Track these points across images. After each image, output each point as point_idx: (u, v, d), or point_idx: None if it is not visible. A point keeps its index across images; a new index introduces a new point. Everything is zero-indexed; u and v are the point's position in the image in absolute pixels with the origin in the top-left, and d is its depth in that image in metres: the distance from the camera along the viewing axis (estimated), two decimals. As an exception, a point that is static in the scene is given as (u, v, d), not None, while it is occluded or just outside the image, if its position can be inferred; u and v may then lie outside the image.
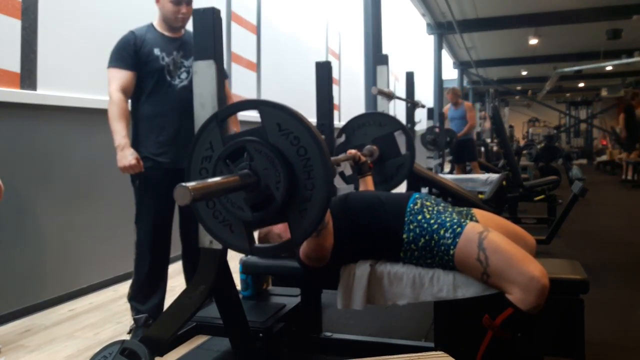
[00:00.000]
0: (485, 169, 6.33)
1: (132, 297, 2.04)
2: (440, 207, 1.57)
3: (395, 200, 1.60)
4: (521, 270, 1.31)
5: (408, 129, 2.46)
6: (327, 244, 1.46)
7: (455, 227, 1.44)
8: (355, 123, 2.40)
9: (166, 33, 2.04)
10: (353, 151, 2.07)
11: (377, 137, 2.36)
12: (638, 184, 7.97)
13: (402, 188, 3.64)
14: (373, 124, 2.37)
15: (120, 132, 1.90)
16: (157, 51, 1.99)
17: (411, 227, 1.50)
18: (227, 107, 1.26)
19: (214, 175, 1.19)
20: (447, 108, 6.64)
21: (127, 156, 1.88)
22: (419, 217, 1.51)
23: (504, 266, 1.33)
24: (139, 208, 2.04)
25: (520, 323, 1.33)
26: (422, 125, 5.85)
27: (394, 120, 2.39)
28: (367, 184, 2.07)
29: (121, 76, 1.95)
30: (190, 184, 0.94)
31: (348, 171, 2.25)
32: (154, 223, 2.02)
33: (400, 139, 2.36)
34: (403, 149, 2.36)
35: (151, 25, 2.05)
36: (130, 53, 1.95)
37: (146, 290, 2.02)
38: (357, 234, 1.55)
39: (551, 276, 1.35)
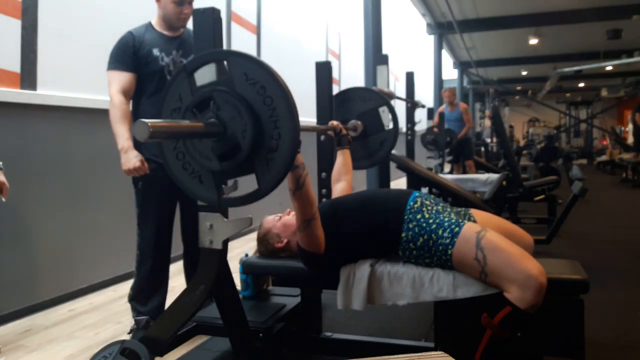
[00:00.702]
0: (485, 169, 6.34)
1: (133, 298, 2.03)
2: (439, 207, 1.58)
3: (395, 197, 1.60)
4: (519, 268, 1.31)
5: (392, 105, 2.46)
6: (319, 234, 1.50)
7: (453, 227, 1.45)
8: (340, 98, 2.40)
9: (165, 32, 2.03)
10: (335, 122, 2.09)
11: (361, 112, 2.36)
12: (638, 184, 7.97)
13: (401, 187, 3.64)
14: (358, 99, 2.38)
15: (123, 134, 1.89)
16: (156, 51, 1.98)
17: (410, 226, 1.50)
18: (195, 59, 1.25)
19: None
20: (442, 108, 6.66)
21: (132, 159, 1.86)
22: (418, 216, 1.51)
23: (501, 265, 1.34)
24: (141, 210, 2.02)
25: (518, 322, 1.33)
26: (422, 125, 5.85)
27: (378, 95, 2.39)
28: (345, 156, 2.08)
29: (121, 78, 1.94)
30: (151, 121, 0.94)
31: None
32: (156, 224, 2.02)
33: (385, 115, 2.36)
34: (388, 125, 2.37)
35: (149, 25, 2.04)
36: (130, 54, 1.94)
37: (147, 291, 2.02)
38: (357, 232, 1.56)
39: (551, 276, 1.35)
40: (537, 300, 1.30)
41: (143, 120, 0.93)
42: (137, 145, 1.94)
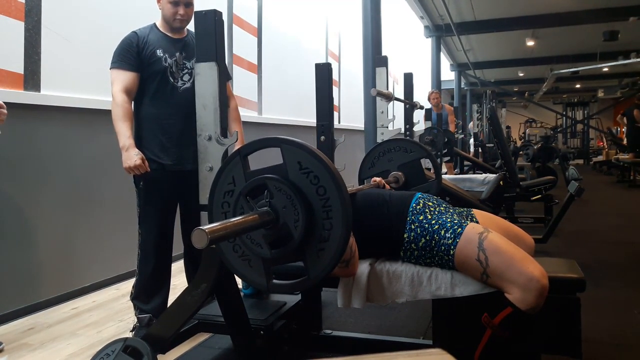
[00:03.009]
0: (483, 169, 6.36)
1: (136, 297, 2.05)
2: (441, 208, 1.59)
3: (398, 199, 1.61)
4: (521, 270, 1.32)
5: (434, 157, 2.47)
6: (355, 271, 1.50)
7: (455, 227, 1.45)
8: (380, 148, 2.41)
9: (169, 34, 2.05)
10: (377, 179, 2.08)
11: (402, 164, 2.36)
12: (634, 184, 8.00)
13: (400, 188, 3.66)
14: (399, 150, 2.38)
15: (124, 133, 1.90)
16: (159, 52, 1.99)
17: (412, 227, 1.52)
18: (249, 144, 1.26)
19: (234, 210, 1.21)
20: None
21: (132, 156, 1.87)
22: (421, 217, 1.53)
23: (503, 266, 1.34)
24: (142, 210, 2.03)
25: (519, 322, 1.34)
26: (420, 126, 5.88)
27: (420, 147, 2.40)
28: None
29: (124, 77, 1.95)
30: (207, 227, 0.94)
31: None
32: (158, 224, 2.03)
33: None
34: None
35: (154, 26, 2.06)
36: (133, 54, 1.95)
37: (150, 290, 2.03)
38: (360, 232, 1.57)
39: (548, 275, 1.37)
40: (538, 302, 1.30)
41: (201, 228, 0.93)
42: (137, 144, 1.95)
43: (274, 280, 1.25)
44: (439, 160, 5.49)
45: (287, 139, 1.19)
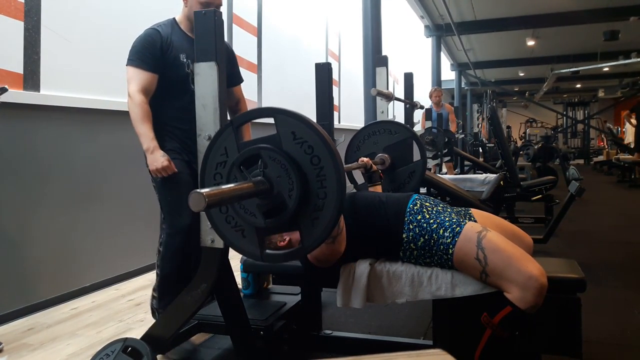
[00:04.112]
0: (483, 169, 6.37)
1: (161, 299, 1.92)
2: (439, 208, 1.59)
3: (395, 200, 1.62)
4: (520, 269, 1.32)
5: (418, 137, 2.48)
6: (341, 249, 1.48)
7: (454, 226, 1.46)
8: (365, 132, 2.41)
9: (190, 34, 1.94)
10: (365, 159, 2.09)
11: (388, 145, 2.37)
12: (635, 184, 8.00)
13: (400, 188, 3.65)
14: (384, 132, 2.38)
15: (147, 134, 1.80)
16: (183, 57, 1.90)
17: (411, 226, 1.52)
18: (242, 115, 1.27)
19: (227, 181, 1.20)
20: (427, 109, 6.71)
21: (159, 158, 1.79)
22: (419, 217, 1.53)
23: (502, 265, 1.35)
24: (168, 203, 1.89)
25: (518, 322, 1.34)
26: (421, 126, 5.88)
27: (404, 128, 2.41)
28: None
29: (144, 77, 1.84)
30: (205, 190, 0.95)
31: (361, 180, 2.26)
32: (185, 222, 1.85)
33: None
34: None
35: (174, 23, 1.95)
36: (156, 54, 1.85)
37: (174, 290, 1.85)
38: (358, 233, 1.57)
39: (548, 275, 1.37)
40: (537, 301, 1.30)
41: (198, 191, 0.94)
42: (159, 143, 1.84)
43: (267, 251, 1.25)
44: (439, 160, 5.49)
45: (281, 108, 1.19)
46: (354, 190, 2.22)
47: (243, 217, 1.20)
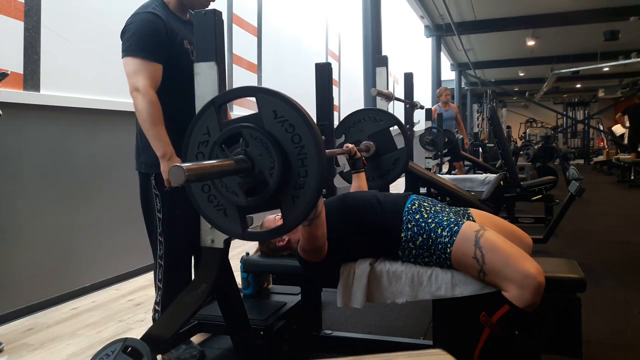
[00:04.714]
0: (483, 169, 6.37)
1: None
2: (437, 207, 1.60)
3: (393, 200, 1.62)
4: (517, 267, 1.33)
5: (403, 124, 2.48)
6: (319, 234, 1.46)
7: (452, 225, 1.46)
8: (351, 119, 2.42)
9: (180, 15, 1.75)
10: (350, 145, 2.09)
11: (372, 133, 2.38)
12: (635, 184, 8.00)
13: (400, 188, 3.66)
14: (369, 120, 2.40)
15: (163, 138, 1.60)
16: (187, 43, 1.72)
17: (409, 226, 1.52)
18: (225, 93, 1.26)
19: (209, 160, 1.20)
20: (436, 108, 6.68)
21: None
22: (417, 217, 1.53)
23: (500, 264, 1.35)
24: (167, 214, 1.74)
25: (517, 320, 1.35)
26: (421, 126, 5.88)
27: (389, 115, 2.41)
28: (361, 180, 2.09)
29: (152, 70, 1.62)
30: (185, 165, 0.96)
31: (347, 168, 2.27)
32: (188, 226, 1.67)
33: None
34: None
35: (163, 4, 1.72)
36: (163, 43, 1.63)
37: None
38: (357, 233, 1.58)
39: (548, 275, 1.37)
40: (535, 300, 1.31)
41: (178, 165, 0.95)
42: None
43: (249, 229, 1.25)
44: (439, 160, 5.48)
45: (262, 87, 1.20)
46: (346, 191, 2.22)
47: (225, 195, 1.20)
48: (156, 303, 1.83)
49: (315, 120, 2.17)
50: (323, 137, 2.17)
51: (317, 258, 1.53)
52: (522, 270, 1.32)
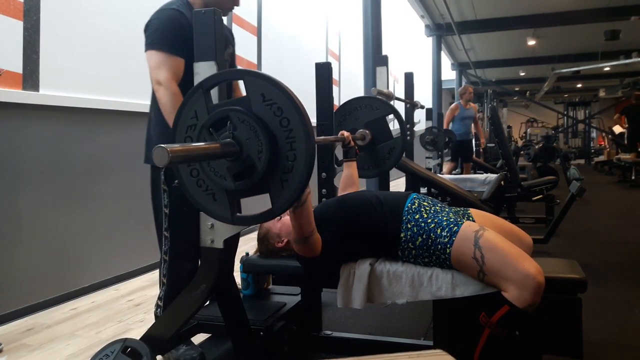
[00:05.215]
0: (484, 169, 6.37)
1: (166, 308, 1.70)
2: (437, 207, 1.60)
3: (393, 199, 1.62)
4: (517, 267, 1.32)
5: (399, 112, 2.47)
6: (304, 222, 1.44)
7: (451, 226, 1.46)
8: (347, 107, 2.41)
9: None
10: (346, 133, 2.09)
11: (368, 121, 2.37)
12: (635, 184, 7.99)
13: (400, 188, 3.66)
14: (365, 108, 2.38)
15: None
16: None
17: (409, 226, 1.52)
18: (212, 76, 1.25)
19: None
20: (457, 106, 6.56)
21: None
22: (417, 217, 1.53)
23: (499, 264, 1.35)
24: (174, 210, 1.72)
25: (517, 321, 1.34)
26: (421, 125, 5.88)
27: (385, 104, 2.41)
28: (352, 168, 2.09)
29: (174, 63, 1.64)
30: (169, 146, 0.94)
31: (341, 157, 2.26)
32: (196, 228, 1.60)
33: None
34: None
35: (187, 3, 1.75)
36: (185, 39, 1.60)
37: None
38: (356, 234, 1.57)
39: (549, 275, 1.37)
40: (534, 300, 1.30)
41: (162, 145, 0.93)
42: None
43: (238, 214, 1.24)
44: (439, 160, 5.48)
45: (250, 70, 1.19)
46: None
47: (213, 180, 1.20)
48: (159, 298, 1.83)
49: (315, 121, 2.17)
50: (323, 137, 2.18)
51: (311, 252, 1.52)
52: (522, 271, 1.31)
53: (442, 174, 5.32)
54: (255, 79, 1.16)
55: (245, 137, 1.14)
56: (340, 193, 2.05)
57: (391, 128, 2.48)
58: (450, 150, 6.35)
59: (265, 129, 1.13)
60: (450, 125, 6.50)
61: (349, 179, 2.06)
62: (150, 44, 1.66)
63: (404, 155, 3.94)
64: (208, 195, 1.25)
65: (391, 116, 2.46)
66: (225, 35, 1.89)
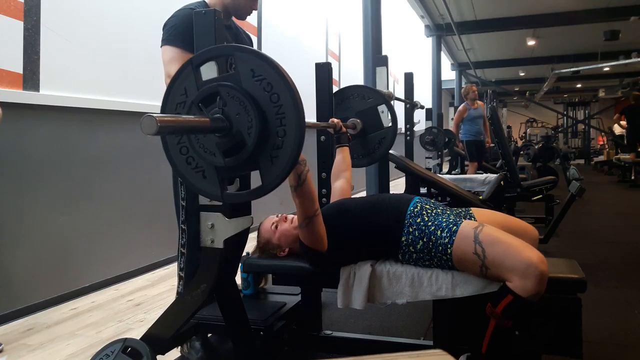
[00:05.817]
0: (484, 169, 6.37)
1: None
2: (438, 210, 1.60)
3: (397, 201, 1.62)
4: (519, 257, 1.31)
5: (391, 103, 2.47)
6: (308, 202, 1.45)
7: (451, 226, 1.46)
8: (339, 96, 2.41)
9: (224, 20, 1.73)
10: (336, 120, 2.09)
11: (360, 110, 2.37)
12: (635, 184, 7.99)
13: (400, 187, 3.65)
14: (357, 97, 2.39)
15: None
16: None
17: (410, 229, 1.52)
18: (201, 53, 1.23)
19: None
20: (465, 107, 6.42)
21: None
22: (418, 220, 1.53)
23: (501, 256, 1.34)
24: (191, 204, 1.76)
25: (521, 312, 1.33)
26: (421, 125, 5.88)
27: (377, 94, 2.41)
28: (344, 152, 2.09)
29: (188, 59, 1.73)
30: (158, 115, 0.93)
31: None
32: None
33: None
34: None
35: (206, 6, 1.80)
36: None
37: None
38: (357, 235, 1.58)
39: (549, 275, 1.37)
40: (539, 289, 1.30)
41: (151, 114, 0.92)
42: None
43: (228, 191, 1.24)
44: (439, 159, 5.48)
45: (240, 45, 1.18)
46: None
47: (203, 156, 1.19)
48: (178, 293, 1.85)
49: (315, 121, 2.17)
50: (323, 136, 2.19)
51: (317, 238, 1.52)
52: (524, 260, 1.30)
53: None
54: (245, 54, 1.15)
55: (234, 112, 1.13)
56: (332, 178, 2.06)
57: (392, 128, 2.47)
58: (467, 152, 6.28)
59: (255, 104, 1.12)
60: (461, 127, 6.37)
61: (342, 163, 2.07)
62: (166, 40, 1.71)
63: (403, 155, 3.94)
64: (198, 173, 1.24)
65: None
66: (243, 39, 1.92)
